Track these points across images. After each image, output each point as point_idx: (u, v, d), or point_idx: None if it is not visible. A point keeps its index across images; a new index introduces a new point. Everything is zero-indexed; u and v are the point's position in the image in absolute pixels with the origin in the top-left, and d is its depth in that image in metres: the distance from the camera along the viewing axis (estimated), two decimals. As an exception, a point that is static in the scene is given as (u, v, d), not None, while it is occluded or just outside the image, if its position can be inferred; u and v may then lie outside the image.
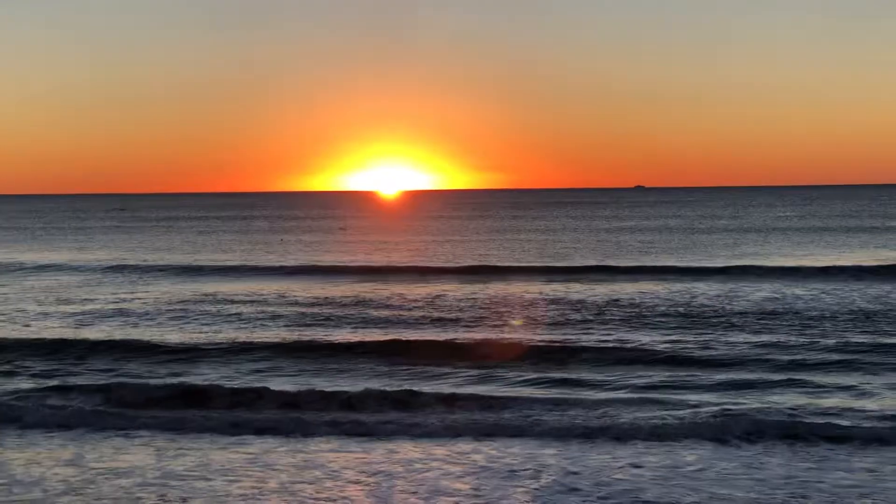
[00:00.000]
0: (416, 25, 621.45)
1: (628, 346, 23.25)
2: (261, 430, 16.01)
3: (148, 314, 29.98)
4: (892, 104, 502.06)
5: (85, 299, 33.87)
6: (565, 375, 20.03)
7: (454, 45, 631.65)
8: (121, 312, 30.47)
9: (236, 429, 16.08)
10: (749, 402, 17.27)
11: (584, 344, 23.53)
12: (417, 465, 13.88)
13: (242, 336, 25.52)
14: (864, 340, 23.46)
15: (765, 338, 24.12)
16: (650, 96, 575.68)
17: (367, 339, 24.86)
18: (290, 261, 49.89)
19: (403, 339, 24.62)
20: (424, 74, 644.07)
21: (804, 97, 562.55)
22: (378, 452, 14.64)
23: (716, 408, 16.58)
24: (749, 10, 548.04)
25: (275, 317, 29.23)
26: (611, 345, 23.40)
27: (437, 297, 33.48)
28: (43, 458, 14.48)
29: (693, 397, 17.81)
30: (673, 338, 24.31)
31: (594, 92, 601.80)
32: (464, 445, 14.94)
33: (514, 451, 14.53)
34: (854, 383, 18.82)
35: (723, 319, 27.38)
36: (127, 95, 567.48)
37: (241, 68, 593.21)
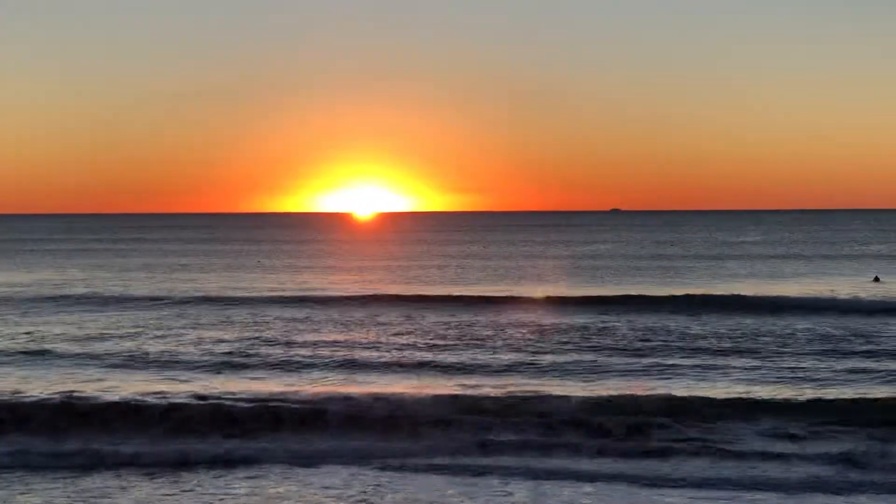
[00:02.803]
0: (394, 45, 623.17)
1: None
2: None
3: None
4: (873, 129, 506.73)
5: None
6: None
7: (431, 65, 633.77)
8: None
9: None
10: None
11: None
12: None
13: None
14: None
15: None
16: (628, 119, 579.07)
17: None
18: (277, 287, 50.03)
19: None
20: (402, 94, 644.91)
21: (786, 121, 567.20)
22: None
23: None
24: (732, 36, 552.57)
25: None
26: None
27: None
28: None
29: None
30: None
31: (572, 114, 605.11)
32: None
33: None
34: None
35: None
36: (94, 114, 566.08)
37: (211, 85, 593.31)
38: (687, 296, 39.92)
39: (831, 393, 21.20)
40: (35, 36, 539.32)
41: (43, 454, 16.74)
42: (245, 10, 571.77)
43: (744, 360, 25.61)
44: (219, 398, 20.28)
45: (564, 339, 29.35)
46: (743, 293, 40.87)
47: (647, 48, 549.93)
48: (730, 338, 29.50)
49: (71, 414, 18.89)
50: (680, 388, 21.73)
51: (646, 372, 23.94)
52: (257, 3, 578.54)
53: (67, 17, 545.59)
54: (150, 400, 19.96)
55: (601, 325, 32.42)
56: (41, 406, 19.31)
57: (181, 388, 21.85)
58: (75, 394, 20.55)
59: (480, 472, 15.87)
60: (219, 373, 24.32)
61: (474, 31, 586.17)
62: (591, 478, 15.50)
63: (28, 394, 20.81)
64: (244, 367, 25.20)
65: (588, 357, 26.22)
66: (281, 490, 14.95)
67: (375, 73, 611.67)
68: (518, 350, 27.63)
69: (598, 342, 28.77)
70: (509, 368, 24.62)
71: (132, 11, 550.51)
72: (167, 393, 20.88)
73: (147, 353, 27.20)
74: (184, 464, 16.45)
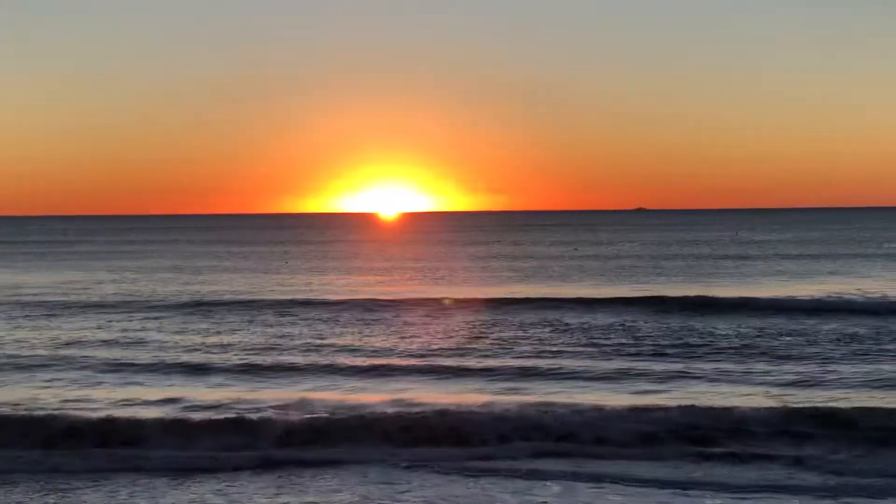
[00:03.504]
0: (417, 46, 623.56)
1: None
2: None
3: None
4: (890, 127, 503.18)
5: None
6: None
7: (454, 65, 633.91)
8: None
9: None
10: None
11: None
12: None
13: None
14: None
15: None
16: (652, 117, 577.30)
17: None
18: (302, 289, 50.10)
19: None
20: (426, 95, 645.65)
21: (811, 119, 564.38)
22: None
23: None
24: (758, 34, 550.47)
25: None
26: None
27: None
28: None
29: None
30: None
31: (596, 113, 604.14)
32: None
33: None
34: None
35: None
36: (117, 114, 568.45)
37: (235, 87, 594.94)
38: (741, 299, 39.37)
39: None
40: (63, 36, 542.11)
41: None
42: (273, 11, 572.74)
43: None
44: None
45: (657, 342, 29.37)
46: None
47: (671, 47, 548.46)
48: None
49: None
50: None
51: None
52: (285, 5, 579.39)
53: (96, 18, 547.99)
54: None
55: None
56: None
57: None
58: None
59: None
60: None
61: (499, 32, 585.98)
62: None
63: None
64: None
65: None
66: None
67: (400, 74, 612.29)
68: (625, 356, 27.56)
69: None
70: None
71: (160, 12, 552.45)
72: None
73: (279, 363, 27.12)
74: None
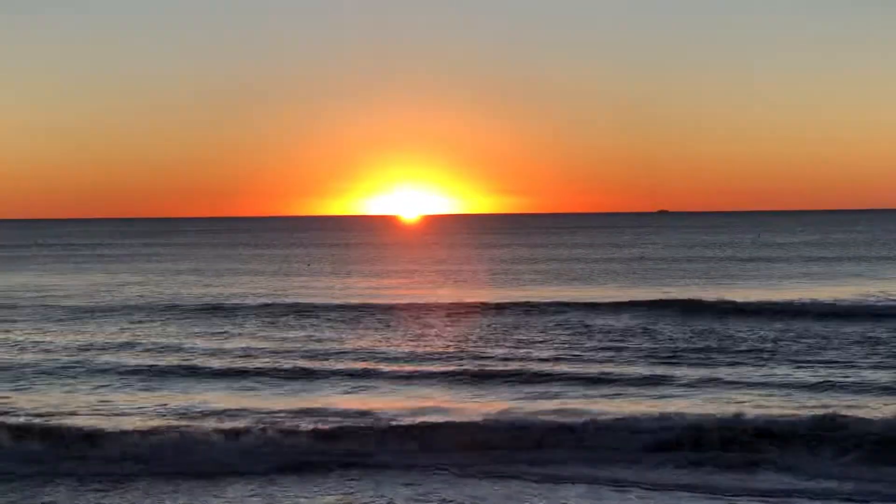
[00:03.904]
0: (439, 48, 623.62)
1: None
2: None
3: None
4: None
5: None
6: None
7: (475, 67, 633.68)
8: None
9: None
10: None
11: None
12: None
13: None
14: None
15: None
16: (674, 119, 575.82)
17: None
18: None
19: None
20: (447, 98, 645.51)
21: (836, 121, 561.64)
22: None
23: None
24: (778, 35, 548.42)
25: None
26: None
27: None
28: None
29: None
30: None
31: (617, 115, 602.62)
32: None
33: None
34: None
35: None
36: (141, 116, 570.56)
37: (257, 91, 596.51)
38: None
39: None
40: (84, 38, 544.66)
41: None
42: (296, 13, 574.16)
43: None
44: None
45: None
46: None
47: (695, 48, 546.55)
48: None
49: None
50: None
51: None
52: (309, 7, 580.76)
53: (116, 19, 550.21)
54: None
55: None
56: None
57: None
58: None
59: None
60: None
61: (519, 34, 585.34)
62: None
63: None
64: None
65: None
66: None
67: (420, 77, 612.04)
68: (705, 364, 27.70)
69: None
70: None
71: (189, 12, 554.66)
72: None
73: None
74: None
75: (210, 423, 19.61)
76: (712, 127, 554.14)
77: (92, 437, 18.52)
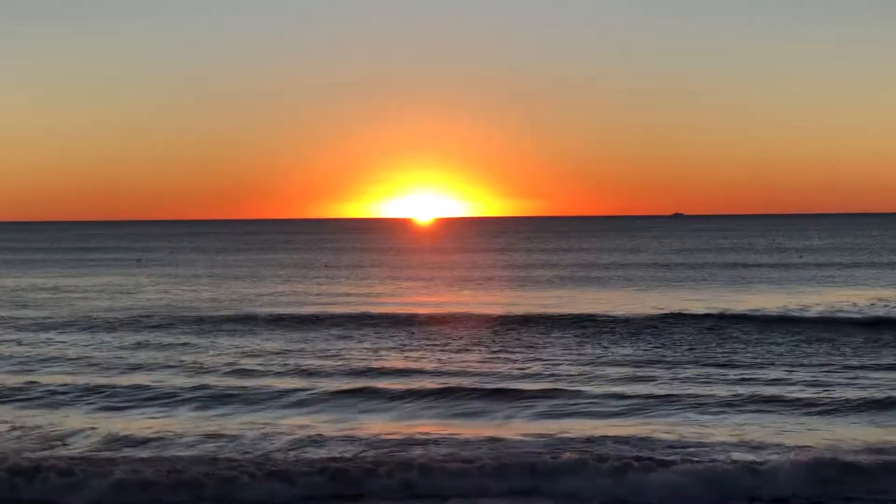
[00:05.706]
0: (452, 53, 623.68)
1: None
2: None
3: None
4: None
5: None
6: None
7: (489, 72, 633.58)
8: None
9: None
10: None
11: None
12: None
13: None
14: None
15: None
16: (688, 123, 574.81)
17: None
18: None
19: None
20: (461, 103, 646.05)
21: (850, 124, 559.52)
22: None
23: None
24: (793, 38, 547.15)
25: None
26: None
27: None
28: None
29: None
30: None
31: (632, 118, 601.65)
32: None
33: None
34: None
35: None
36: (157, 118, 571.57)
37: (273, 95, 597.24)
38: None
39: None
40: (107, 40, 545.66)
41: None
42: (313, 19, 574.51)
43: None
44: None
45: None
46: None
47: (710, 52, 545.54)
48: None
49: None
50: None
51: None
52: (325, 13, 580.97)
53: (143, 23, 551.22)
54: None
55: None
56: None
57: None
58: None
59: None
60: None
61: (533, 39, 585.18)
62: None
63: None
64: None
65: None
66: None
67: (437, 81, 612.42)
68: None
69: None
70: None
71: (209, 16, 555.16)
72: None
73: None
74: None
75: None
76: (727, 130, 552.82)
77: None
